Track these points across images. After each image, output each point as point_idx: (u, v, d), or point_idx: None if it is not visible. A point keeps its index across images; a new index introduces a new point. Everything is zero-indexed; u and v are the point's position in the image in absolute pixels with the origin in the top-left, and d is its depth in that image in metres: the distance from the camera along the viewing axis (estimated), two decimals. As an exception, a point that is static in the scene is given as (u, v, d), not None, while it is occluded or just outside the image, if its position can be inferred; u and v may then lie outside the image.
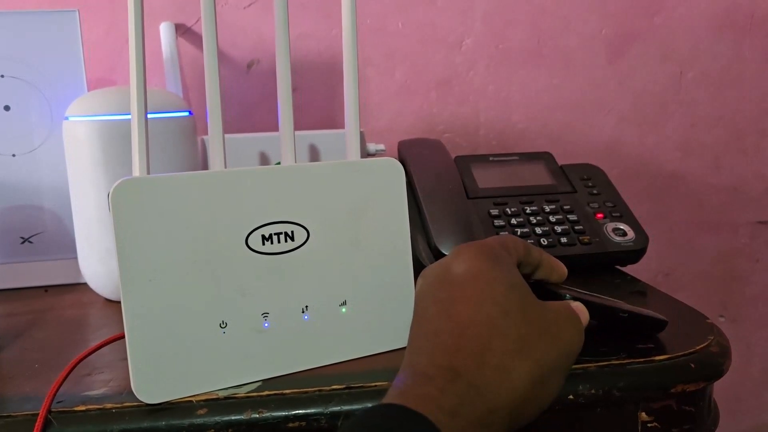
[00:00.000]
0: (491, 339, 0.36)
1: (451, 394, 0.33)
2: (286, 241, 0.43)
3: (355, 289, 0.46)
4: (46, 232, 0.69)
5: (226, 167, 0.45)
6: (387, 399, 0.33)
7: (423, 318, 0.39)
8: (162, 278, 0.40)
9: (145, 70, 0.42)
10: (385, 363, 0.45)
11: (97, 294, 0.62)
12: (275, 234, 0.43)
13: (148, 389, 0.40)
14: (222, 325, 0.41)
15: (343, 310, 0.45)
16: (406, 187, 0.48)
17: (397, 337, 0.46)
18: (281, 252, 0.43)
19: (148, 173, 0.42)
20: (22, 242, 0.68)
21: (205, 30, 0.44)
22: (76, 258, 0.66)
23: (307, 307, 0.44)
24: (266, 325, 0.43)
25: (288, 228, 0.43)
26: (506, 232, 0.65)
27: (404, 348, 0.46)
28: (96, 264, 0.60)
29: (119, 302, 0.59)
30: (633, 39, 0.91)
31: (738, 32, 0.93)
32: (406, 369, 0.37)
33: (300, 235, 0.44)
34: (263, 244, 0.42)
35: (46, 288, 0.67)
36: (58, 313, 0.59)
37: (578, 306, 0.42)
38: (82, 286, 0.66)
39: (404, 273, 0.47)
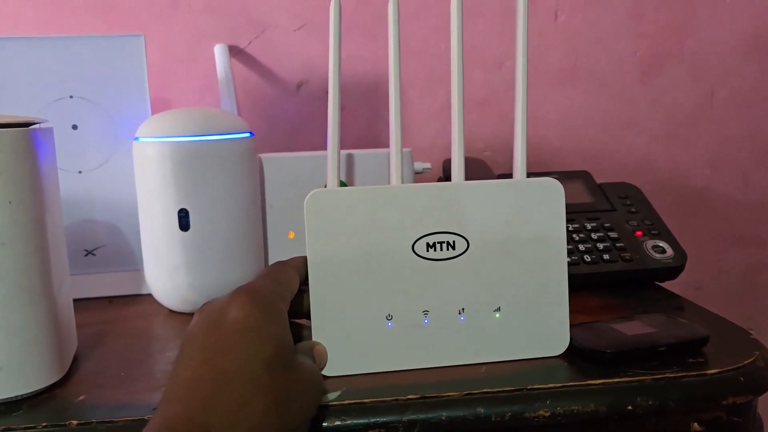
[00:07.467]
0: (251, 397, 0.36)
1: None
2: (447, 249, 0.48)
3: (509, 298, 0.49)
4: (108, 246, 0.72)
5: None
6: None
7: (186, 364, 0.38)
8: (342, 274, 0.47)
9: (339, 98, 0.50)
10: (459, 375, 0.48)
11: (159, 304, 0.66)
12: (439, 242, 0.48)
13: (329, 364, 0.47)
14: (388, 318, 0.48)
15: (497, 315, 0.49)
16: (564, 206, 0.50)
17: (546, 347, 0.50)
18: (443, 259, 0.48)
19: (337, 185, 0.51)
20: (86, 255, 0.72)
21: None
22: (136, 270, 0.70)
23: (463, 309, 0.49)
24: (426, 321, 0.48)
25: (450, 238, 0.48)
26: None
27: (551, 357, 0.50)
28: (164, 278, 0.63)
29: (183, 314, 0.64)
30: (665, 60, 0.94)
31: (767, 53, 0.95)
32: (157, 420, 0.35)
33: (461, 245, 0.49)
34: (427, 250, 0.48)
35: (110, 299, 0.70)
36: (126, 324, 0.62)
37: (319, 352, 0.46)
38: (144, 297, 0.69)
39: (559, 286, 0.50)
